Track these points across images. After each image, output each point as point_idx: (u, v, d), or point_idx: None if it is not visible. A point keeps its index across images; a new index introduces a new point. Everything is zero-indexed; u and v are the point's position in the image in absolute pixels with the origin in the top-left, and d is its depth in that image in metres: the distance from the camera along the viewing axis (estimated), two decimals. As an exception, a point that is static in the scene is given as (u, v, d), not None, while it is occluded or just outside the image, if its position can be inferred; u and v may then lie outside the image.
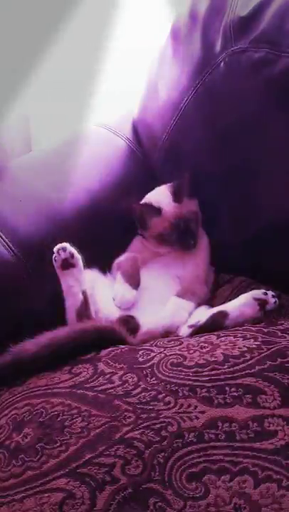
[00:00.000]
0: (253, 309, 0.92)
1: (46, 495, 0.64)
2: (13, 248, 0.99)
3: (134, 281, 1.00)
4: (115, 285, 1.01)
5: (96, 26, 1.37)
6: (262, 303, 0.92)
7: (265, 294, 0.92)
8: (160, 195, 1.08)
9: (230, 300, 0.98)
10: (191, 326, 0.93)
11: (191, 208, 1.07)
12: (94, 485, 0.64)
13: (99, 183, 1.17)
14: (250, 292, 0.94)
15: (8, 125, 1.27)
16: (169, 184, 1.09)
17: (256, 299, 0.92)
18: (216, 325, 0.91)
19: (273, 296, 0.92)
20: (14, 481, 0.68)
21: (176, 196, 1.06)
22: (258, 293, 0.93)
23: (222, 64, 0.98)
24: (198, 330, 0.91)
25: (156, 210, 1.06)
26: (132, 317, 0.97)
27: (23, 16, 1.14)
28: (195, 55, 1.04)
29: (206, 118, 1.06)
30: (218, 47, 0.99)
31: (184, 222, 1.05)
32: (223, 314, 0.92)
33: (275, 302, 0.92)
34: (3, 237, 0.99)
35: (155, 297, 1.00)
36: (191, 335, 0.90)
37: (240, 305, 0.93)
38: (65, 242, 1.00)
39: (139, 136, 1.27)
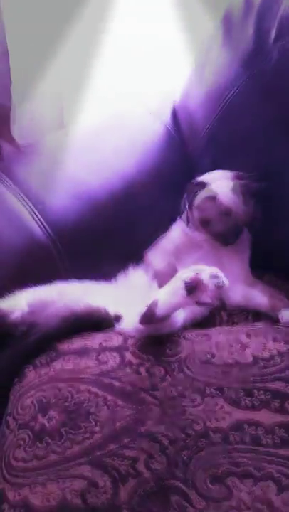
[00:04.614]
0: (179, 295, 0.74)
1: (69, 480, 0.65)
2: (47, 228, 0.99)
3: None
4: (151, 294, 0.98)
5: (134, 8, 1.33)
6: (190, 287, 0.73)
7: (199, 272, 0.72)
8: (221, 181, 1.02)
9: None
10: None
11: (246, 206, 1.01)
12: (117, 476, 0.64)
13: (135, 168, 1.15)
14: (181, 272, 0.75)
15: (41, 101, 1.25)
16: (234, 173, 1.03)
17: (184, 282, 0.73)
18: (149, 314, 0.78)
19: (216, 277, 0.71)
20: (37, 463, 0.68)
21: (236, 187, 1.01)
22: (187, 273, 0.73)
23: (275, 55, 0.95)
24: (141, 319, 0.79)
25: (211, 193, 1.01)
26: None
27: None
28: (247, 44, 1.01)
29: (252, 109, 1.03)
30: (272, 37, 0.95)
31: (233, 218, 1.01)
32: (155, 303, 0.77)
33: (219, 285, 0.72)
34: (39, 216, 0.99)
35: None
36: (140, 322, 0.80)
37: (168, 290, 0.77)
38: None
39: (179, 122, 1.25)
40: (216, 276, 0.72)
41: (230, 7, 1.07)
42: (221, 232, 1.02)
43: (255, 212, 1.02)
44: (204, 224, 1.03)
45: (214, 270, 0.72)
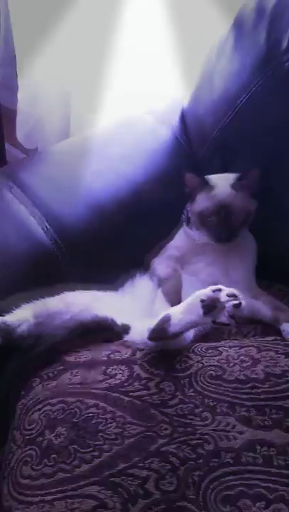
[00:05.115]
0: (195, 313, 0.74)
1: (78, 500, 0.64)
2: (54, 236, 0.98)
3: (175, 303, 0.96)
4: (156, 305, 0.96)
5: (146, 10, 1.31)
6: (208, 305, 0.72)
7: (216, 291, 0.71)
8: (221, 177, 1.01)
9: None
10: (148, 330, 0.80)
11: (244, 204, 0.99)
12: (126, 496, 0.63)
13: (142, 175, 1.14)
14: (198, 291, 0.75)
15: (48, 107, 1.23)
16: (238, 174, 1.01)
17: (202, 301, 0.73)
18: (160, 331, 0.76)
19: (231, 297, 0.71)
20: (45, 481, 0.67)
21: (236, 184, 0.98)
22: (205, 292, 0.73)
23: (287, 63, 0.93)
24: (151, 335, 0.78)
25: (209, 187, 0.99)
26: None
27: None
28: (258, 50, 0.99)
29: (263, 116, 1.01)
30: (284, 45, 0.94)
31: (227, 212, 0.98)
32: (166, 319, 0.77)
33: (236, 305, 0.71)
34: (47, 224, 0.98)
35: None
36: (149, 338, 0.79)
37: (183, 307, 0.76)
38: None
39: (187, 127, 1.23)
40: (233, 296, 0.71)
41: (241, 12, 1.05)
42: (214, 227, 0.99)
43: (257, 212, 1.00)
44: (201, 219, 1.01)
45: (232, 290, 0.71)
